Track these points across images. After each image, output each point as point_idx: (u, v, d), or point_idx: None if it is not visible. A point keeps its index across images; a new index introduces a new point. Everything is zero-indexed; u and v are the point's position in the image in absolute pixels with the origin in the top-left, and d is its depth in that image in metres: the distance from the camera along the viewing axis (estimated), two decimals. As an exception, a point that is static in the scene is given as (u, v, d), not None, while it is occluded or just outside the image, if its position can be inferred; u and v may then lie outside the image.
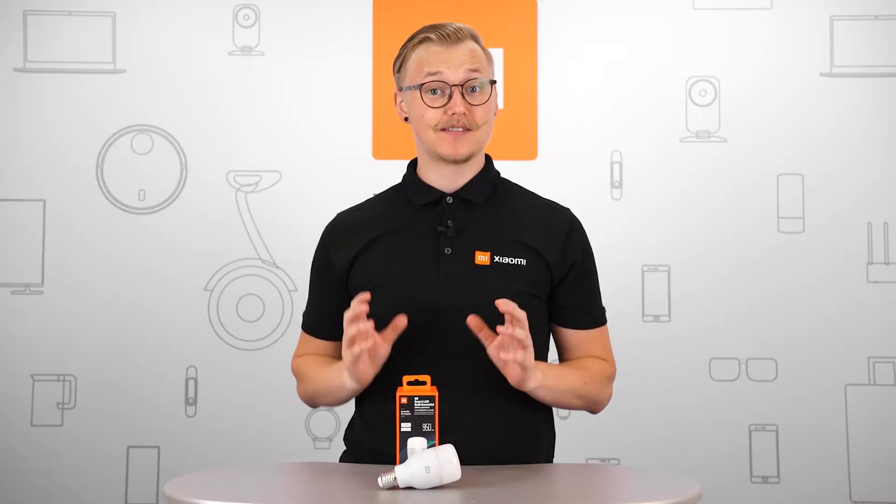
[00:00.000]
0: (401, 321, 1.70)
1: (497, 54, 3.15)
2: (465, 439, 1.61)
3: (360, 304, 1.65)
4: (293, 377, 1.97)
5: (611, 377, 1.89)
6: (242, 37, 3.20)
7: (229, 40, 3.20)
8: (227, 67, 3.19)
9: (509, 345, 1.65)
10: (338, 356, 1.93)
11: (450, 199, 1.83)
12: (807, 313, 3.12)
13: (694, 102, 3.18)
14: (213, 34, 3.20)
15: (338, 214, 1.93)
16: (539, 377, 1.72)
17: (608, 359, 1.89)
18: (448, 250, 1.79)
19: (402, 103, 1.86)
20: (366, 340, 1.66)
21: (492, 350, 1.67)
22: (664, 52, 3.20)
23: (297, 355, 1.95)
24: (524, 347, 1.65)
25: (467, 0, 3.20)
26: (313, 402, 1.91)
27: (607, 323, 1.92)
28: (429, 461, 1.51)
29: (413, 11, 3.18)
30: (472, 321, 1.68)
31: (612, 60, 3.20)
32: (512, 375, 1.68)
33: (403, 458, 1.56)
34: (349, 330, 1.65)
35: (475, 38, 1.83)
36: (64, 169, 3.15)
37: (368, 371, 1.70)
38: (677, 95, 3.18)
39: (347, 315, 1.65)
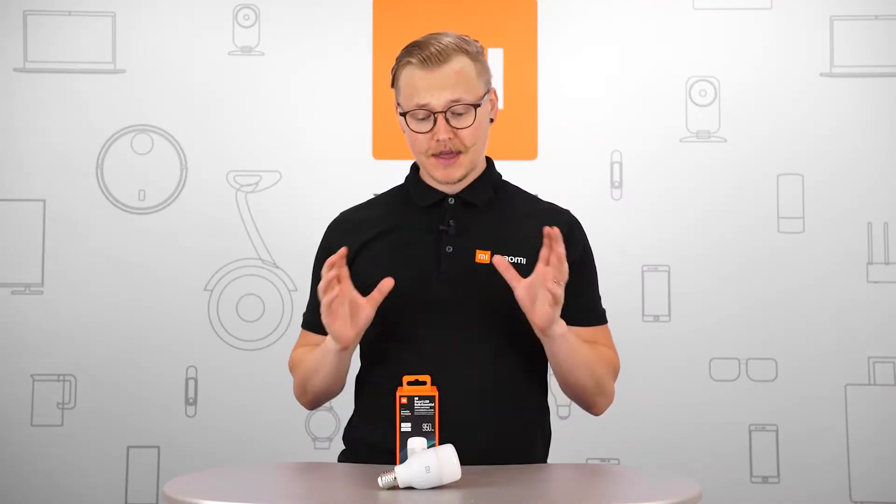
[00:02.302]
0: (387, 284, 1.69)
1: (497, 54, 3.16)
2: (462, 436, 1.61)
3: (340, 254, 1.65)
4: (291, 376, 1.97)
5: (616, 369, 1.89)
6: (242, 37, 3.20)
7: (229, 40, 3.20)
8: (227, 67, 3.19)
9: (543, 279, 1.64)
10: None
11: (451, 200, 1.85)
12: (807, 313, 3.12)
13: (694, 102, 3.18)
14: (213, 34, 3.20)
15: (341, 213, 1.95)
16: (564, 326, 1.71)
17: (614, 353, 1.89)
18: (449, 248, 1.81)
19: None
20: (333, 290, 1.65)
21: (521, 292, 1.66)
22: (664, 52, 3.20)
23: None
24: (557, 281, 1.63)
25: (467, 0, 3.20)
26: (305, 389, 1.88)
27: (608, 323, 1.92)
28: (429, 461, 1.51)
29: (413, 11, 3.18)
30: (499, 261, 1.66)
31: (612, 60, 3.20)
32: (542, 316, 1.66)
33: (403, 458, 1.56)
34: (326, 276, 1.64)
35: (464, 51, 1.77)
36: (64, 169, 3.15)
37: (347, 330, 1.69)
38: (677, 95, 3.18)
39: (327, 262, 1.64)
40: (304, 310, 1.98)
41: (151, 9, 3.19)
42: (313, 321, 1.93)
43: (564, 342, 1.73)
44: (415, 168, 1.92)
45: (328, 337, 1.72)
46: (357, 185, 2.99)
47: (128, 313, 3.13)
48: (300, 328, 1.97)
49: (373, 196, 2.00)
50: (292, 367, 1.93)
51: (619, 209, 3.16)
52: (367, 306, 1.70)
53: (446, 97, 1.75)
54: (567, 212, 1.92)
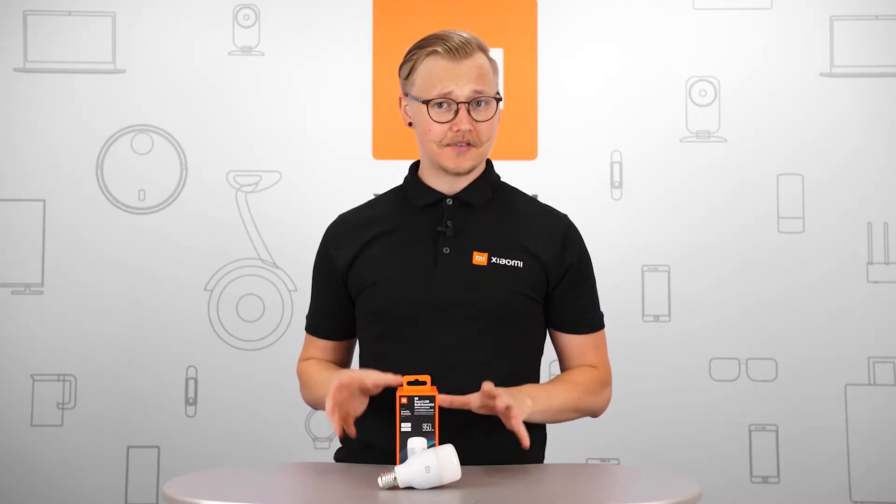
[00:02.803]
0: (396, 379, 1.67)
1: (497, 54, 3.15)
2: (458, 437, 1.61)
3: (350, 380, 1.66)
4: (294, 377, 1.98)
5: (605, 383, 1.90)
6: (242, 37, 3.20)
7: (229, 40, 3.20)
8: (227, 67, 3.19)
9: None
10: (341, 357, 1.95)
11: (450, 201, 1.85)
12: (807, 313, 3.12)
13: (694, 102, 3.18)
14: (213, 34, 3.20)
15: (339, 215, 1.95)
16: (529, 405, 1.73)
17: (602, 365, 1.90)
18: (446, 250, 1.81)
19: (407, 108, 1.86)
20: (334, 414, 1.67)
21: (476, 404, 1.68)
22: (664, 52, 3.20)
23: (302, 358, 1.97)
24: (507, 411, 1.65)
25: (467, 0, 3.20)
26: (312, 403, 1.95)
27: (605, 327, 1.92)
28: (429, 461, 1.51)
29: (413, 11, 3.18)
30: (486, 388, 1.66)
31: (612, 60, 3.20)
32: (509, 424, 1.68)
33: (403, 458, 1.56)
34: (334, 395, 1.65)
35: (482, 49, 1.82)
36: (64, 169, 3.15)
37: (359, 409, 1.72)
38: (677, 95, 3.18)
39: (339, 382, 1.65)
40: (305, 312, 1.98)
41: (151, 9, 3.19)
42: (317, 325, 1.95)
43: (537, 416, 1.76)
44: (413, 168, 1.92)
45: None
46: (357, 185, 3.00)
47: (128, 313, 3.13)
48: (304, 332, 1.98)
49: (372, 197, 2.00)
50: (301, 382, 1.95)
51: (619, 209, 3.16)
52: (363, 401, 1.71)
53: (470, 88, 1.77)
54: (564, 216, 1.91)
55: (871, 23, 3.17)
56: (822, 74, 3.17)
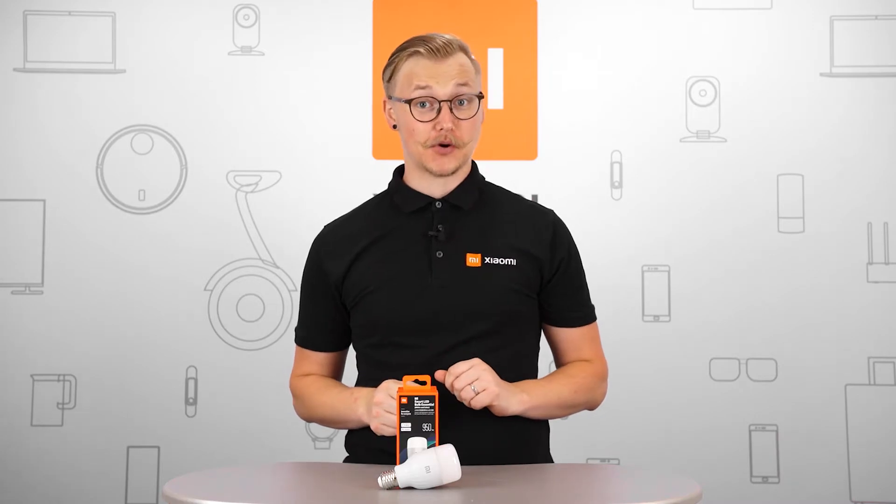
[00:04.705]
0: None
1: (497, 54, 3.16)
2: (460, 439, 1.61)
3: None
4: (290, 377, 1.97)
5: (602, 375, 1.90)
6: (242, 37, 3.20)
7: (229, 40, 3.20)
8: (227, 67, 3.19)
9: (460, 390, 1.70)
10: (336, 368, 1.95)
11: (438, 205, 1.85)
12: (807, 313, 3.12)
13: (694, 102, 3.18)
14: (213, 34, 3.20)
15: (326, 226, 1.94)
16: (525, 399, 1.75)
17: (597, 358, 1.91)
18: (440, 254, 1.81)
19: (391, 111, 1.87)
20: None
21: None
22: (664, 51, 3.20)
23: (295, 374, 1.95)
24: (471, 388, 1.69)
25: (467, 0, 3.20)
26: (315, 420, 1.93)
27: (597, 320, 1.93)
28: (429, 461, 1.51)
29: (413, 11, 3.18)
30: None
31: (611, 60, 3.20)
32: (478, 406, 1.71)
33: (403, 458, 1.57)
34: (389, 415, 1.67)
35: (464, 50, 1.82)
36: (64, 169, 3.15)
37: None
38: (677, 95, 3.18)
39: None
40: (296, 324, 1.97)
41: (151, 9, 3.19)
42: (311, 338, 1.94)
43: (534, 411, 1.78)
44: (398, 173, 1.91)
45: (362, 412, 1.74)
46: (357, 185, 3.00)
47: (128, 313, 3.13)
48: (295, 344, 1.97)
49: (371, 197, 1.99)
50: (298, 397, 1.93)
51: (619, 209, 3.16)
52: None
53: (452, 84, 1.78)
54: (551, 212, 1.92)
55: (871, 23, 3.17)
56: (822, 74, 3.17)
